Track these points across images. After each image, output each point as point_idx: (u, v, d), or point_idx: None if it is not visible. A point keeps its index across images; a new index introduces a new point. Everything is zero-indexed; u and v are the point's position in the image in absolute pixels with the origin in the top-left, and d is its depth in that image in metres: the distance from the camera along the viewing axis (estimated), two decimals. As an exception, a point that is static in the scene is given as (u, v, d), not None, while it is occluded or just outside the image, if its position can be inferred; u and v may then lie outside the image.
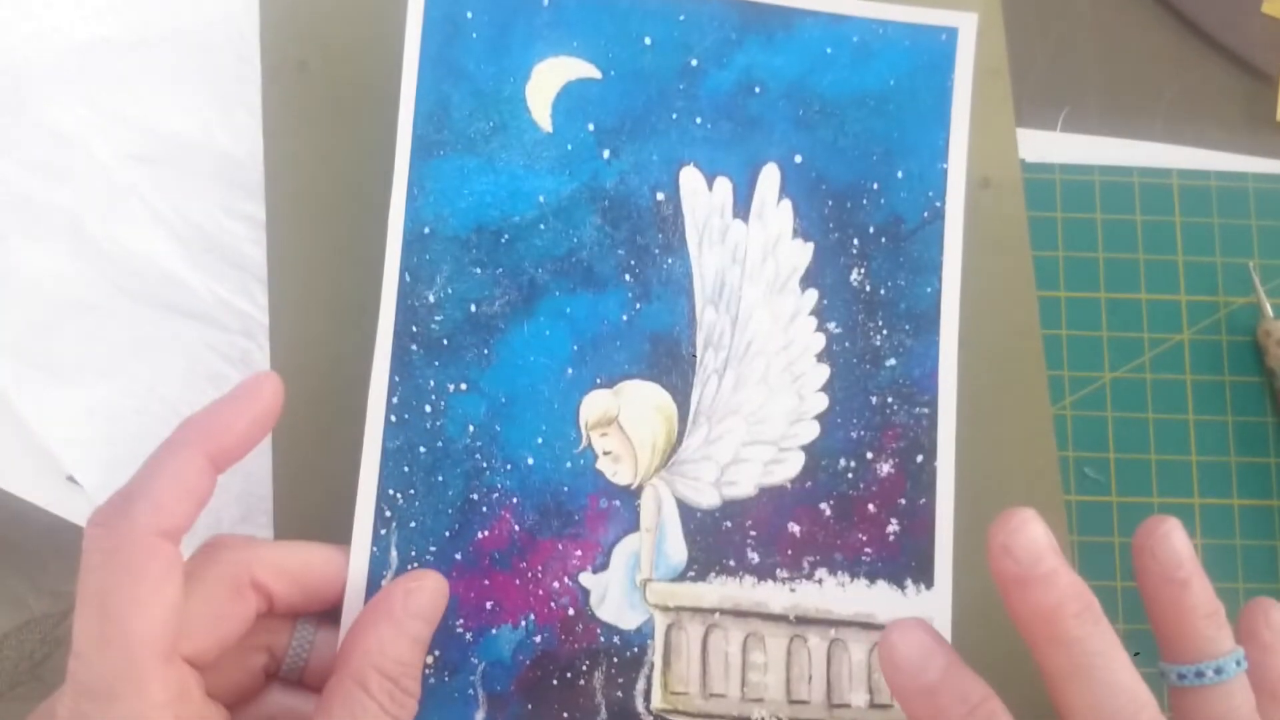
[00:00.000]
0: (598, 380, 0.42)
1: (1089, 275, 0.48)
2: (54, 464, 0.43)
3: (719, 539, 0.41)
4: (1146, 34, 0.51)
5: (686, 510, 0.42)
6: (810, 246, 0.43)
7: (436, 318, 0.41)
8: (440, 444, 0.40)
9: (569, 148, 0.42)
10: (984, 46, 0.46)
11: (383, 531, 0.39)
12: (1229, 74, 0.51)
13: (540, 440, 0.41)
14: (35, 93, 0.45)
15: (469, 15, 0.42)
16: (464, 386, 0.41)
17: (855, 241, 0.44)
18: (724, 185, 0.43)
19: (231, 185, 0.45)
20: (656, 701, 0.40)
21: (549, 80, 0.42)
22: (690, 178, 0.43)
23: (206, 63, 0.46)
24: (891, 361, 0.43)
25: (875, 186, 0.44)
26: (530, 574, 0.40)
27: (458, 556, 0.40)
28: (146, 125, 0.46)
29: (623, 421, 0.41)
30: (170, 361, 0.44)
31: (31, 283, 0.44)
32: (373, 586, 0.39)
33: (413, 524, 0.40)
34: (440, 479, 0.40)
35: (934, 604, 0.42)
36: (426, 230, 0.41)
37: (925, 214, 0.44)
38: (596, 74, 0.43)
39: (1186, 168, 0.49)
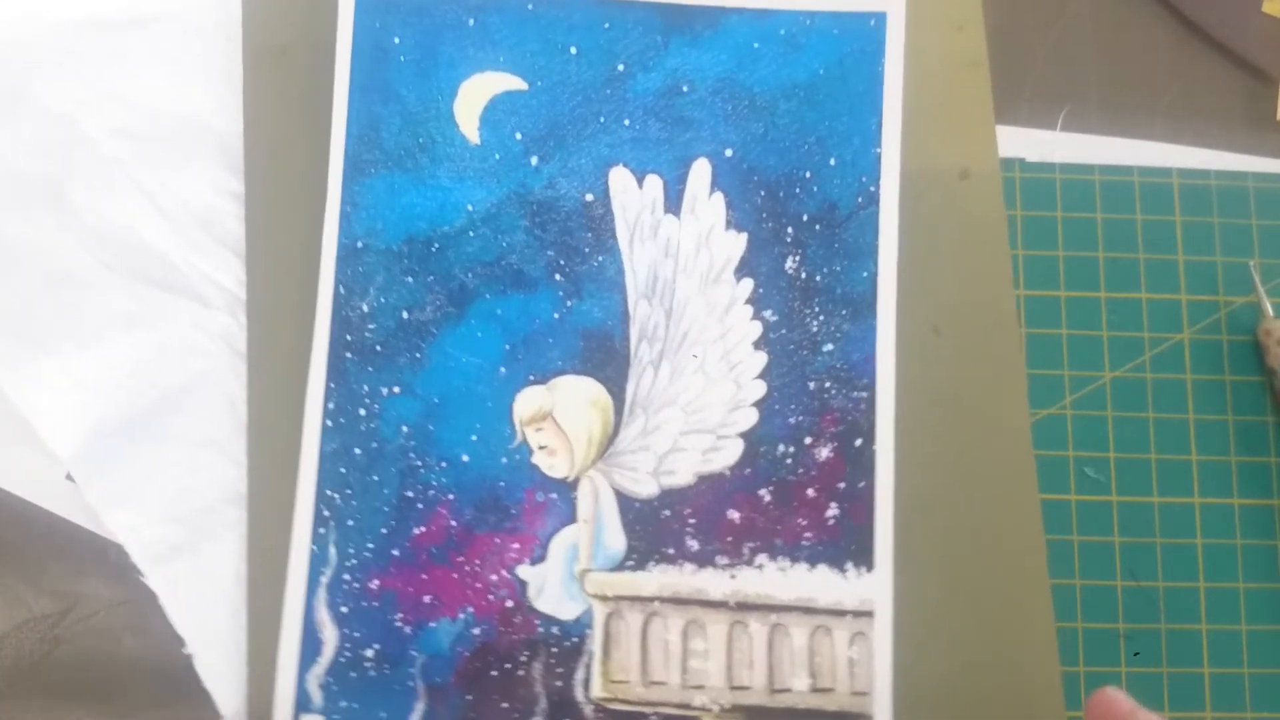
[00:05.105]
0: (530, 378, 0.43)
1: (1089, 275, 0.47)
2: (53, 463, 0.43)
3: (658, 528, 0.42)
4: (1146, 34, 0.50)
5: (625, 500, 0.42)
6: (744, 237, 0.44)
7: (370, 326, 0.43)
8: (375, 445, 0.42)
9: (497, 157, 0.44)
10: (964, 39, 0.47)
11: (321, 530, 0.41)
12: (1229, 74, 0.50)
13: (475, 438, 0.42)
14: (24, 68, 0.46)
15: (396, 41, 0.44)
16: (397, 390, 0.42)
17: (789, 230, 0.44)
18: (654, 183, 0.44)
19: (217, 162, 0.46)
20: (596, 690, 0.41)
21: (476, 95, 0.44)
22: (619, 177, 0.44)
23: (195, 41, 0.46)
24: (829, 347, 0.43)
25: (808, 175, 0.44)
26: (468, 568, 0.41)
27: (395, 552, 0.41)
28: (135, 101, 0.46)
29: (558, 416, 0.43)
30: (150, 336, 0.44)
31: (15, 254, 0.44)
32: (313, 584, 0.41)
33: (350, 522, 0.41)
34: (375, 478, 0.42)
35: (874, 586, 0.41)
36: (360, 245, 0.43)
37: (859, 199, 0.44)
38: (523, 85, 0.44)
39: (1186, 167, 0.48)
